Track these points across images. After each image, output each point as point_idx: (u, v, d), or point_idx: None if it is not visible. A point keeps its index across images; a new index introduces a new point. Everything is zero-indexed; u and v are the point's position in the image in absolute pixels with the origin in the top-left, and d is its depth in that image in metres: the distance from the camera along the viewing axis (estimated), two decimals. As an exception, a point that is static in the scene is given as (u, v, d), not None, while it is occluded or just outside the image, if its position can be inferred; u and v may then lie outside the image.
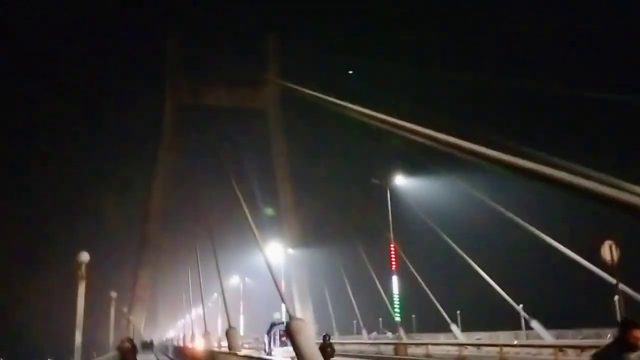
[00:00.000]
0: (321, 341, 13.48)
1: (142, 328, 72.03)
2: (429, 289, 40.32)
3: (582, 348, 23.84)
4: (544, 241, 30.18)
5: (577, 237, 29.96)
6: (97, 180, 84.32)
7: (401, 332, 45.62)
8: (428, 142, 8.33)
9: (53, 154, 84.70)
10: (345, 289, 55.67)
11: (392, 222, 41.39)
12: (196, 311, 66.27)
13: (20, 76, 79.81)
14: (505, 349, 27.07)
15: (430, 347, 29.52)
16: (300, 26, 72.56)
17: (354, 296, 54.70)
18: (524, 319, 36.12)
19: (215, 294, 75.10)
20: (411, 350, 30.27)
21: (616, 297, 26.37)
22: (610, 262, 20.98)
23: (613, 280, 24.68)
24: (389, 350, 33.12)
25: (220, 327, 66.12)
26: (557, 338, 29.61)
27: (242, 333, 46.97)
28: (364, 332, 52.67)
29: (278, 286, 11.44)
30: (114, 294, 23.67)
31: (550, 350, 25.08)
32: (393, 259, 30.72)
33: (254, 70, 78.10)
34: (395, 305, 30.38)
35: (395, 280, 30.88)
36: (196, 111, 71.02)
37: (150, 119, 77.85)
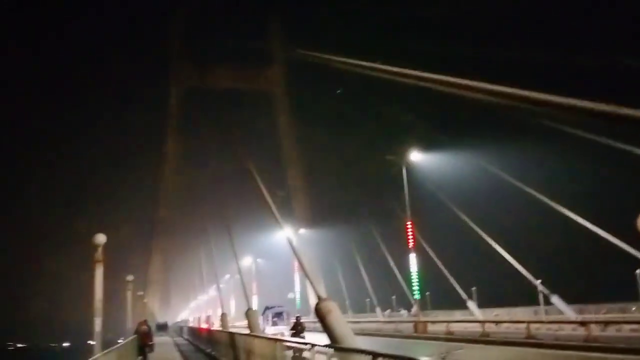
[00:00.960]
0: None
1: (157, 310, 72.42)
2: (444, 266, 40.02)
3: (606, 323, 23.34)
4: (564, 215, 29.64)
5: (601, 213, 29.27)
6: (109, 166, 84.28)
7: (416, 309, 45.52)
8: (437, 87, 8.44)
9: (63, 142, 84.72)
10: (357, 268, 55.32)
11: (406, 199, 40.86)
12: (209, 292, 66.47)
13: (31, 65, 79.30)
14: (524, 325, 26.59)
15: (450, 324, 28.96)
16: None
17: (366, 275, 54.34)
18: (543, 294, 35.73)
19: (228, 275, 75.28)
20: (431, 327, 29.81)
21: (638, 271, 25.91)
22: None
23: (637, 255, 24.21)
24: (407, 328, 32.70)
25: (233, 308, 66.27)
26: (579, 313, 29.12)
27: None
28: (378, 310, 52.42)
29: (303, 266, 10.97)
30: (130, 277, 23.33)
31: (572, 325, 24.51)
32: (410, 236, 30.15)
33: (260, 50, 77.46)
34: (414, 283, 29.89)
35: (413, 257, 30.35)
36: (202, 94, 70.53)
37: (158, 102, 77.34)
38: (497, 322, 28.63)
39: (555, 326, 25.40)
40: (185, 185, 73.78)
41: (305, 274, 10.84)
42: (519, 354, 17.29)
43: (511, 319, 29.20)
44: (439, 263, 39.86)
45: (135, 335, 22.07)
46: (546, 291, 33.15)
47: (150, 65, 76.90)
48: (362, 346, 9.08)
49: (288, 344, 11.77)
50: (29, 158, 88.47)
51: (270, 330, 30.42)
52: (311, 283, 10.71)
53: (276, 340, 11.59)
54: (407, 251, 42.51)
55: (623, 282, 26.75)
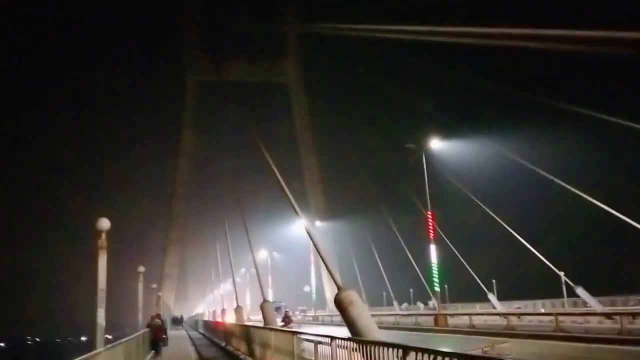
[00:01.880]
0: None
1: (172, 304, 72.23)
2: (463, 258, 39.08)
3: (634, 315, 22.33)
4: (590, 204, 28.52)
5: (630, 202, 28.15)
6: (124, 160, 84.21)
7: (434, 302, 44.61)
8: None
9: (78, 135, 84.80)
10: (374, 260, 54.46)
11: (424, 189, 39.98)
12: (224, 286, 66.08)
13: (41, 56, 79.26)
14: (549, 318, 25.63)
15: (472, 317, 28.00)
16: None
17: (383, 268, 53.48)
18: (567, 286, 34.63)
19: (243, 269, 74.94)
20: (451, 321, 28.91)
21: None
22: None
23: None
24: (426, 321, 31.81)
25: (248, 301, 65.86)
26: (606, 305, 28.06)
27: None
28: (395, 303, 51.59)
29: (322, 256, 10.25)
30: (141, 269, 22.70)
31: (598, 318, 23.50)
32: (431, 227, 29.22)
33: (275, 40, 76.60)
34: (434, 275, 28.98)
35: (433, 249, 29.42)
36: (217, 86, 70.02)
37: (174, 95, 76.93)
38: (520, 315, 27.63)
39: (579, 319, 24.40)
40: (201, 178, 73.40)
41: (324, 264, 10.07)
42: (568, 349, 16.28)
43: (535, 311, 28.14)
44: (458, 255, 38.97)
45: (146, 329, 21.50)
46: (570, 283, 32.13)
47: (165, 57, 76.47)
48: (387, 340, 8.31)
49: (307, 337, 11.02)
50: (44, 152, 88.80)
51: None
52: (330, 273, 9.94)
53: (293, 333, 10.85)
54: (425, 243, 41.68)
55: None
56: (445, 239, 37.92)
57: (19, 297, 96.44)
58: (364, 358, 7.21)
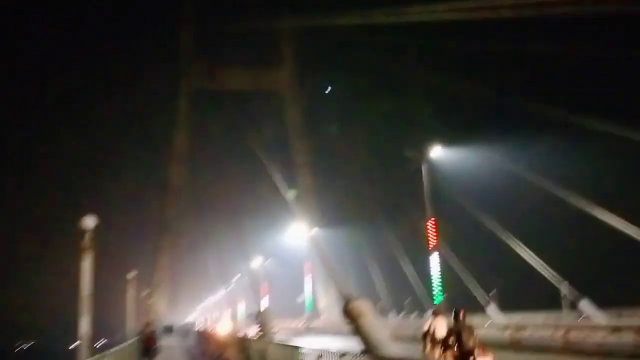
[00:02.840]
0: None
1: (164, 311, 71.02)
2: (460, 268, 38.31)
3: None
4: (593, 217, 27.90)
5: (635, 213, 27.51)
6: (116, 164, 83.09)
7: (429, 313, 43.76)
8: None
9: (70, 139, 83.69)
10: (368, 269, 53.65)
11: (417, 198, 39.25)
12: (215, 296, 65.09)
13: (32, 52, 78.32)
14: (549, 332, 24.85)
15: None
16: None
17: (377, 277, 52.67)
18: (568, 298, 33.87)
19: (238, 275, 73.83)
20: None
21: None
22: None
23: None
24: (424, 332, 30.85)
25: (244, 309, 64.77)
26: (611, 318, 27.30)
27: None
28: (392, 313, 50.72)
29: (325, 263, 9.42)
30: (132, 275, 21.75)
31: (604, 332, 22.67)
32: (433, 235, 28.42)
33: (270, 50, 76.13)
34: (434, 285, 28.13)
35: (436, 257, 28.60)
36: (211, 94, 69.41)
37: (166, 101, 76.14)
38: (523, 328, 26.78)
39: (583, 333, 23.56)
40: (195, 185, 72.44)
41: (328, 272, 9.23)
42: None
43: (539, 324, 27.29)
44: (457, 265, 38.20)
45: (136, 338, 20.59)
46: (567, 294, 31.43)
47: (159, 61, 75.66)
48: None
49: (308, 351, 10.18)
50: (31, 153, 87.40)
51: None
52: (335, 281, 9.11)
53: (295, 347, 10.00)
54: (422, 252, 40.83)
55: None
56: (442, 249, 37.16)
57: (11, 298, 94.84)
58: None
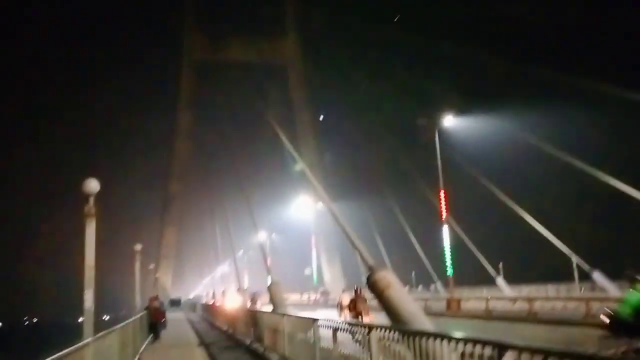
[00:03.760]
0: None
1: (170, 286, 71.03)
2: (469, 240, 37.78)
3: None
4: (608, 185, 27.15)
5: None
6: (119, 136, 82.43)
7: (438, 286, 43.34)
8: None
9: (73, 111, 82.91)
10: (375, 243, 53.18)
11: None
12: (222, 268, 64.84)
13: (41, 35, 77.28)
14: (560, 303, 24.30)
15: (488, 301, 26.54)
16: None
17: (385, 250, 52.26)
18: (577, 269, 33.36)
19: (242, 251, 73.60)
20: (466, 305, 27.51)
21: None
22: None
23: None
24: (435, 306, 30.38)
25: (246, 284, 64.55)
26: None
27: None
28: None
29: (347, 234, 8.82)
30: (138, 247, 21.21)
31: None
32: (444, 207, 27.77)
33: (274, 21, 74.79)
34: (446, 259, 27.58)
35: (446, 230, 27.99)
36: (216, 66, 68.40)
37: (172, 72, 75.11)
38: (529, 300, 26.17)
39: (597, 304, 22.96)
40: (200, 157, 71.91)
41: (351, 243, 8.62)
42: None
43: (562, 295, 26.65)
44: (465, 237, 37.66)
45: (144, 312, 20.14)
46: (586, 267, 30.87)
47: (163, 33, 74.61)
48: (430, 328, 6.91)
49: (327, 323, 9.60)
50: (38, 129, 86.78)
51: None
52: (359, 251, 8.50)
53: (313, 320, 9.43)
54: (430, 224, 40.21)
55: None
56: (451, 220, 36.59)
57: (19, 273, 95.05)
58: (413, 353, 5.78)
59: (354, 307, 15.62)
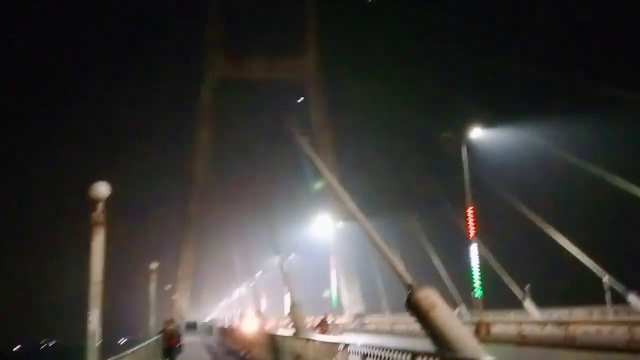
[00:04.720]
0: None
1: (186, 308, 70.04)
2: (496, 261, 36.50)
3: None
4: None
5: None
6: (139, 153, 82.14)
7: (462, 309, 41.80)
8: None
9: (87, 132, 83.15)
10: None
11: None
12: (240, 290, 63.78)
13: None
14: (598, 327, 22.89)
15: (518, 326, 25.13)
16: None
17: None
18: (613, 292, 31.83)
19: (260, 272, 72.51)
20: (495, 329, 26.12)
21: None
22: None
23: None
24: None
25: (265, 307, 63.33)
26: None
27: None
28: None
29: (381, 251, 7.88)
30: (153, 265, 20.31)
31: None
32: (472, 225, 26.57)
33: (294, 41, 74.84)
34: (475, 279, 26.30)
35: (474, 248, 26.74)
36: (237, 85, 68.46)
37: (191, 93, 75.14)
38: (560, 324, 24.72)
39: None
40: (218, 175, 71.40)
41: (386, 259, 7.67)
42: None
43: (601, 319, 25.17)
44: (492, 257, 36.35)
45: (159, 335, 19.14)
46: (620, 289, 29.39)
47: (184, 52, 74.90)
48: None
49: (358, 349, 8.59)
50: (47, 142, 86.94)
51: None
52: (395, 269, 7.50)
53: (345, 345, 8.41)
54: (453, 245, 38.94)
55: None
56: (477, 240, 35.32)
57: (35, 295, 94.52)
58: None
59: (320, 327, 23.74)
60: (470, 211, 26.93)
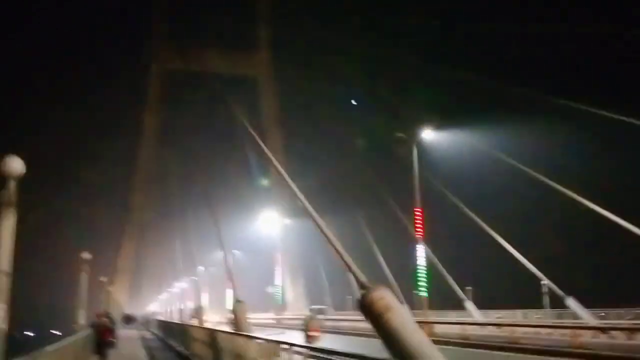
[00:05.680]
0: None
1: (125, 301, 68.00)
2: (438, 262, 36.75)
3: (632, 330, 20.13)
4: (588, 209, 26.30)
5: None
6: (81, 146, 79.03)
7: (406, 309, 42.00)
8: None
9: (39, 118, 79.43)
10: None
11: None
12: (181, 285, 62.47)
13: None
14: (524, 330, 23.27)
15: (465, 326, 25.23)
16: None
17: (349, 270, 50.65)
18: (546, 295, 32.64)
19: (202, 268, 71.07)
20: (440, 329, 26.14)
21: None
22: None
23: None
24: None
25: (206, 302, 62.14)
26: (600, 318, 25.93)
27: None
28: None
29: (339, 253, 7.42)
30: (86, 255, 19.10)
31: (591, 332, 20.92)
32: (419, 226, 26.50)
33: (246, 33, 73.81)
34: (421, 279, 26.23)
35: (421, 249, 26.68)
36: (183, 77, 66.72)
37: (135, 84, 72.82)
38: (498, 325, 25.00)
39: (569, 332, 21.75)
40: (163, 168, 69.56)
41: (340, 256, 7.17)
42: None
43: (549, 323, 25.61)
44: (435, 258, 36.55)
45: (90, 330, 18.02)
46: (559, 293, 29.98)
47: (130, 43, 72.59)
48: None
49: (301, 350, 8.04)
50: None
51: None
52: (350, 270, 7.02)
53: (291, 345, 7.86)
54: (399, 244, 39.05)
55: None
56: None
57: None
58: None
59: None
60: (417, 211, 26.89)
